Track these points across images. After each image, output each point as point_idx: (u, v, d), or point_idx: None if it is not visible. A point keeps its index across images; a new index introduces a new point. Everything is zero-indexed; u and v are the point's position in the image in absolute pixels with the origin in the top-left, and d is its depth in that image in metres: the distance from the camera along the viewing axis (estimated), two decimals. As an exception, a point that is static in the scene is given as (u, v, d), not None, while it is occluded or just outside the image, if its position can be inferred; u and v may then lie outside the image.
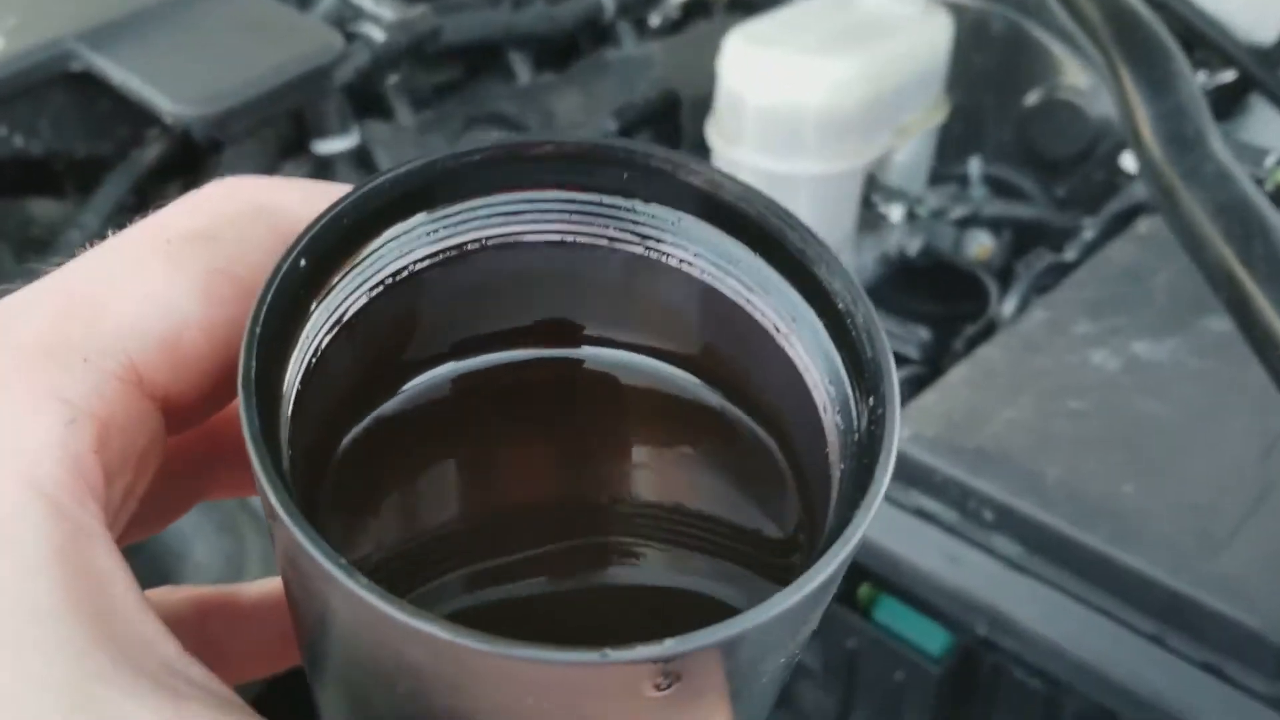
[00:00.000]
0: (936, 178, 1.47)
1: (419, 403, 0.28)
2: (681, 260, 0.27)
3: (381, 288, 0.26)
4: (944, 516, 0.90)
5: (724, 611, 0.25)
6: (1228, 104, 1.38)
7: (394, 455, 0.28)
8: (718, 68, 1.31)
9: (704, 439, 0.29)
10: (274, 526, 0.22)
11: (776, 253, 0.26)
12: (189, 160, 1.23)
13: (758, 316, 0.27)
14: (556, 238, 0.27)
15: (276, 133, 1.30)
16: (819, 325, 0.26)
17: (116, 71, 1.12)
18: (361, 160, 1.32)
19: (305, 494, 0.24)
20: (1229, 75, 1.36)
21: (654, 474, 0.29)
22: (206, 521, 1.00)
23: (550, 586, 0.27)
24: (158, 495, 0.27)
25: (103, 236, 0.27)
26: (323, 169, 1.30)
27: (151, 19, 1.18)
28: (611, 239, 0.27)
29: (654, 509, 0.28)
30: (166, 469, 0.27)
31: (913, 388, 1.07)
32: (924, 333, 1.26)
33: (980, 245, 1.36)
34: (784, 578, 0.22)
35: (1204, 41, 1.33)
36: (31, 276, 0.26)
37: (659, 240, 0.27)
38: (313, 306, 0.25)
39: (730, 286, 0.27)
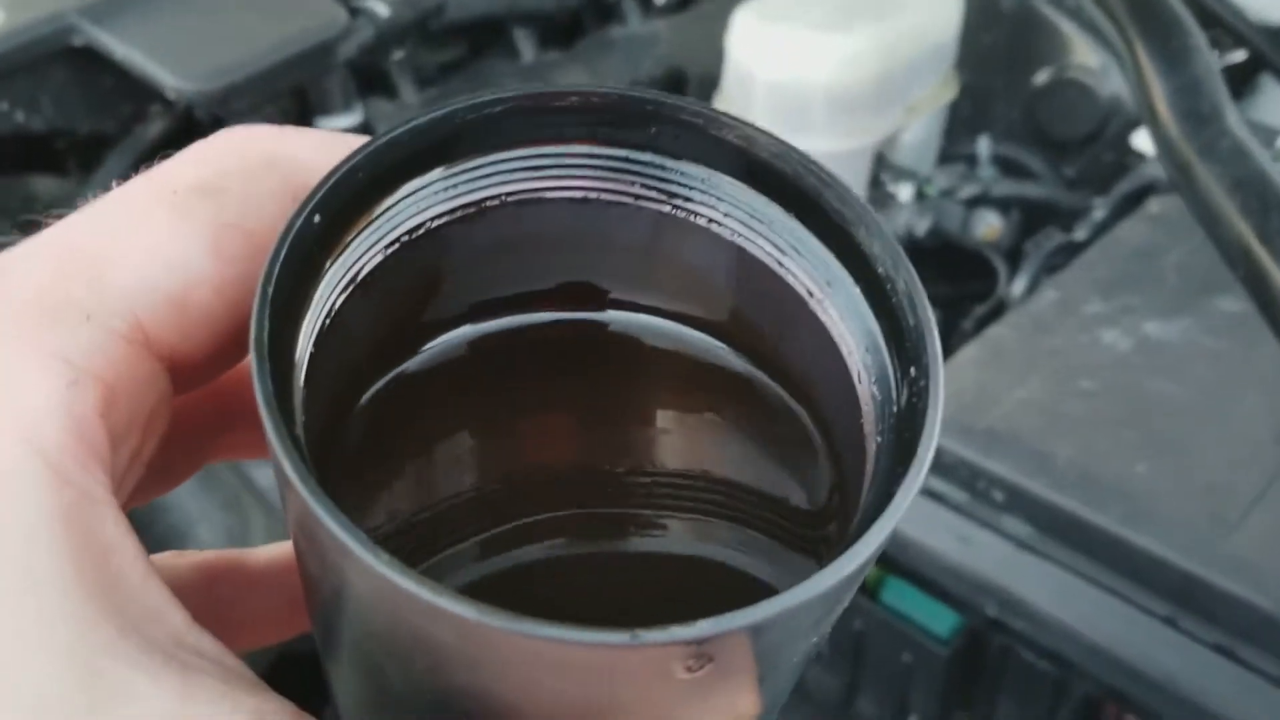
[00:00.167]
0: (945, 157, 1.46)
1: (436, 366, 0.27)
2: (711, 220, 0.26)
3: (398, 245, 0.25)
4: (954, 497, 0.89)
5: (751, 585, 0.24)
6: (1238, 84, 1.37)
7: (410, 420, 0.27)
8: (726, 43, 1.31)
9: (731, 406, 0.28)
10: (287, 494, 0.21)
11: (812, 213, 0.25)
12: (192, 137, 1.21)
13: (790, 280, 0.26)
14: (580, 195, 0.26)
15: (280, 109, 1.29)
16: (855, 291, 0.25)
17: (119, 47, 1.11)
18: (365, 138, 1.31)
19: (319, 460, 0.23)
20: (1240, 55, 1.35)
21: (678, 442, 0.28)
22: (210, 499, 0.99)
23: (571, 556, 0.26)
24: (162, 457, 0.27)
25: None
26: (326, 146, 1.29)
27: (153, -7, 1.17)
28: (638, 196, 0.26)
29: (678, 478, 0.27)
30: (172, 430, 0.26)
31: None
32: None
33: (988, 225, 1.36)
34: (813, 550, 0.21)
35: (1215, 21, 1.32)
36: (30, 232, 0.25)
37: (688, 199, 0.26)
38: (327, 265, 0.24)
39: (762, 248, 0.26)
